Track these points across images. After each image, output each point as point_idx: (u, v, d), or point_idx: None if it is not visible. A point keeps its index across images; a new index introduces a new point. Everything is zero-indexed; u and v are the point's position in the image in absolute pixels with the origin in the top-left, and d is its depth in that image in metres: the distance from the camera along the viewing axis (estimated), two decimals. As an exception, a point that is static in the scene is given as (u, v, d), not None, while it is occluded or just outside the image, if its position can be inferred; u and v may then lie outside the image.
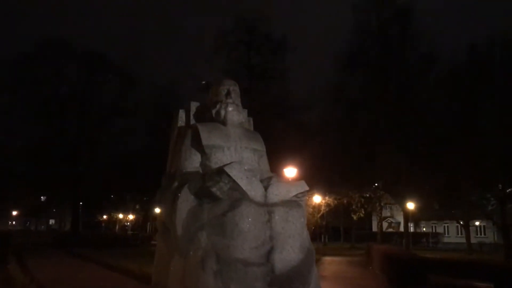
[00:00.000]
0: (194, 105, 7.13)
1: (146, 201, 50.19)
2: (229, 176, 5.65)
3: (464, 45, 33.24)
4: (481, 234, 52.52)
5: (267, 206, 5.67)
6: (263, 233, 5.53)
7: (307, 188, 5.98)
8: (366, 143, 33.51)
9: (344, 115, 37.55)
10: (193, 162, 6.45)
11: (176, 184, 6.18)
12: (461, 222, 42.28)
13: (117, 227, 67.41)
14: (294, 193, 5.91)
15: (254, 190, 5.68)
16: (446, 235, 58.54)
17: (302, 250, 5.72)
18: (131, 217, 63.34)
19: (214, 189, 5.73)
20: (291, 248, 5.64)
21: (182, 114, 7.15)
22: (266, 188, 5.79)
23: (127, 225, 67.07)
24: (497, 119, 29.35)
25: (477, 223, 50.73)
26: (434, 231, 59.32)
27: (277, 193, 5.79)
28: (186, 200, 5.87)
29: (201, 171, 6.36)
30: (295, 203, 5.84)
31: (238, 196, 5.67)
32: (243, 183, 5.66)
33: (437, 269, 11.10)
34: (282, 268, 5.48)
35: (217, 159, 6.38)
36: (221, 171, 5.71)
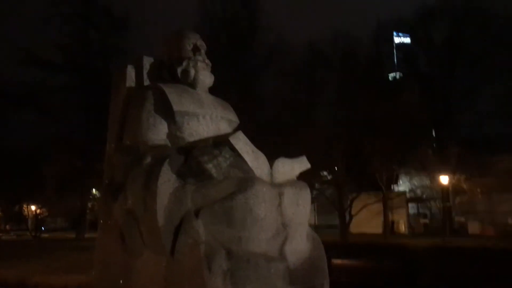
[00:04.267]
0: (147, 61, 5.56)
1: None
2: (232, 149, 4.46)
3: (308, 40, 35.10)
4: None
5: (276, 187, 4.63)
6: (276, 220, 4.49)
7: (309, 165, 5.09)
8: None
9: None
10: (159, 132, 5.00)
11: (148, 160, 4.69)
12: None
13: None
14: (298, 171, 4.97)
15: (260, 167, 4.58)
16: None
17: (309, 239, 4.85)
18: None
19: (209, 166, 4.46)
20: (300, 237, 4.72)
21: (131, 71, 5.53)
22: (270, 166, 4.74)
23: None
24: (332, 111, 32.07)
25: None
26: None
27: (282, 171, 4.78)
28: (167, 181, 4.47)
29: (169, 144, 4.98)
30: (303, 183, 4.90)
31: (240, 175, 4.51)
32: (249, 159, 4.51)
33: (336, 251, 11.25)
34: (295, 261, 4.53)
35: (192, 130, 5.05)
36: (221, 143, 4.47)
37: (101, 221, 5.30)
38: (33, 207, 36.73)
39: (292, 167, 4.91)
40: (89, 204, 36.75)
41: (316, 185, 36.71)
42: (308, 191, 4.86)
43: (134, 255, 4.72)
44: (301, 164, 5.02)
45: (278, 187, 4.63)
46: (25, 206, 37.14)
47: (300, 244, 4.67)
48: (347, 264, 10.51)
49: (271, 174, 4.69)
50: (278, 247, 4.43)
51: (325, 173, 35.70)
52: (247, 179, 4.40)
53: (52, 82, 35.63)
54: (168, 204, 4.42)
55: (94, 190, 35.75)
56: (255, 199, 4.28)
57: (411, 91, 33.09)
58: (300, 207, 4.72)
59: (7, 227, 44.76)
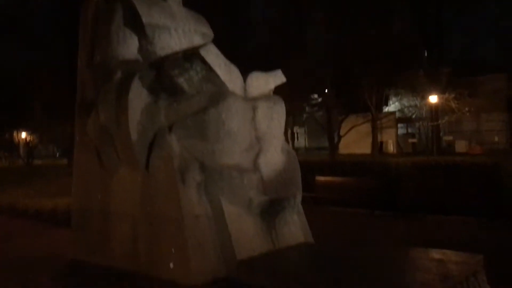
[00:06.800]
0: None
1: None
2: (204, 62, 4.35)
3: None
4: (296, 140, 57.90)
5: (250, 101, 4.58)
6: (249, 133, 4.49)
7: (284, 78, 5.01)
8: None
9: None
10: (129, 47, 4.82)
11: (119, 75, 4.58)
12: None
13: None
14: (273, 85, 4.91)
15: (233, 81, 4.51)
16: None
17: (283, 152, 4.88)
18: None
19: (180, 80, 4.38)
20: (275, 150, 4.75)
21: None
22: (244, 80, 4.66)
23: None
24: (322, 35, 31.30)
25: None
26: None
27: (256, 86, 4.72)
28: (138, 96, 4.40)
29: (140, 59, 4.83)
30: (277, 97, 4.85)
31: (213, 89, 4.44)
32: (221, 72, 4.42)
33: (321, 170, 11.48)
34: (269, 173, 4.60)
35: (163, 44, 4.88)
36: (192, 56, 4.36)
37: (77, 140, 5.28)
38: (23, 134, 36.65)
39: (266, 81, 4.84)
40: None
41: (307, 109, 36.82)
42: (282, 105, 4.82)
43: (110, 171, 4.76)
44: (276, 78, 4.94)
45: (252, 101, 4.59)
46: (15, 133, 36.99)
47: (274, 157, 4.71)
48: (330, 181, 10.73)
49: (245, 88, 4.63)
50: (251, 160, 4.47)
51: (315, 96, 35.62)
52: (219, 93, 4.34)
53: (33, 4, 34.03)
54: (140, 119, 4.38)
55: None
56: (227, 113, 4.25)
57: (403, 13, 32.20)
58: (274, 121, 4.71)
59: None
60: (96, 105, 4.71)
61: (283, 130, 4.86)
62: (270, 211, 4.52)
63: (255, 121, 4.53)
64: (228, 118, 4.24)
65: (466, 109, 28.80)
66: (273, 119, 4.68)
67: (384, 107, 35.21)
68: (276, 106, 4.73)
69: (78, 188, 5.29)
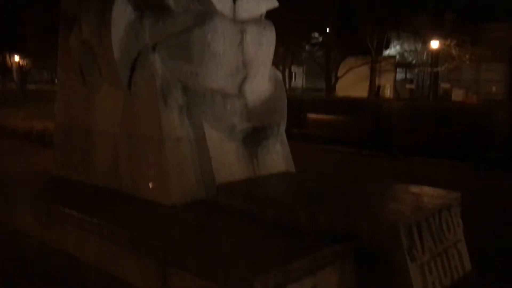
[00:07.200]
0: None
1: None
2: (191, -21, 4.15)
3: None
4: (294, 80, 57.33)
5: (238, 24, 4.41)
6: (236, 58, 4.37)
7: (276, 3, 4.81)
8: None
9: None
10: None
11: (103, -13, 4.37)
12: (280, 68, 44.88)
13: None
14: (264, 9, 4.71)
15: (222, 1, 4.31)
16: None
17: (271, 80, 4.78)
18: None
19: None
20: (262, 77, 4.65)
21: None
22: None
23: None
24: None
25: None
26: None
27: (246, 8, 4.52)
28: (122, 12, 4.22)
29: None
30: (268, 22, 4.68)
31: (200, 9, 4.26)
32: (209, -10, 4.22)
33: (313, 108, 11.44)
34: (254, 100, 4.52)
35: None
36: (179, -29, 4.14)
37: (60, 56, 5.14)
38: (16, 58, 35.95)
39: (257, 4, 4.63)
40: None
41: (307, 47, 36.10)
42: (273, 30, 4.65)
43: (93, 89, 4.67)
44: (268, 2, 4.73)
45: (241, 24, 4.42)
46: (7, 56, 36.27)
47: (260, 84, 4.62)
48: (321, 119, 10.72)
49: (234, 10, 4.44)
50: (237, 85, 4.38)
51: (316, 34, 34.86)
52: (206, 13, 4.17)
53: None
54: (124, 36, 4.23)
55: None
56: (213, 34, 4.11)
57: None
58: (263, 47, 4.57)
59: None
60: (78, 20, 4.54)
61: (271, 57, 4.72)
62: (253, 138, 4.50)
63: (242, 45, 4.38)
64: (214, 40, 4.10)
65: (467, 56, 28.37)
66: (261, 44, 4.53)
67: (384, 51, 34.59)
68: (266, 31, 4.57)
69: (61, 105, 5.23)
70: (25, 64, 36.31)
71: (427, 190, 4.03)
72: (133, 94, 4.26)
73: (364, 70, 31.13)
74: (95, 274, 3.45)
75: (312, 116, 10.99)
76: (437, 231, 3.36)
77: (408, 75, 38.86)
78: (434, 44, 27.51)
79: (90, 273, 3.48)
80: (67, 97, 5.09)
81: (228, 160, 4.30)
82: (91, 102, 4.71)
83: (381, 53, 32.59)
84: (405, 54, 35.02)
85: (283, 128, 4.74)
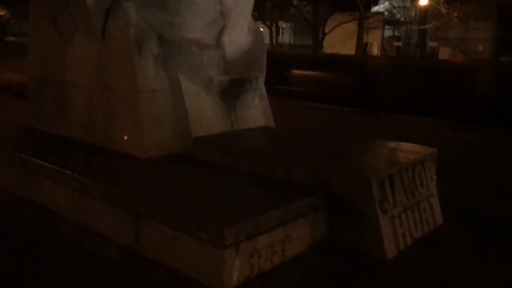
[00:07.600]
0: None
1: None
2: None
3: None
4: (281, 35, 56.35)
5: (216, -29, 4.25)
6: (213, 7, 4.23)
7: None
8: None
9: None
10: None
11: None
12: (268, 23, 44.02)
13: None
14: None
15: None
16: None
17: (250, 32, 4.67)
18: None
19: None
20: (241, 28, 4.53)
21: None
22: None
23: None
24: None
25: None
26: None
27: (225, -45, 4.34)
28: (94, -44, 4.02)
29: None
30: (247, -30, 4.52)
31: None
32: None
33: (298, 64, 11.27)
34: (232, 52, 4.42)
35: None
36: None
37: (32, 3, 4.93)
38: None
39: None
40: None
41: (294, 2, 35.42)
42: (252, -20, 4.50)
43: (66, 38, 4.51)
44: None
45: (219, -29, 4.26)
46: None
47: (239, 36, 4.51)
48: (305, 75, 10.61)
49: (212, -43, 4.27)
50: (214, 36, 4.27)
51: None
52: (180, -42, 4.00)
53: None
54: (97, -16, 4.05)
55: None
56: (188, -19, 3.96)
57: None
58: (242, -3, 4.43)
59: None
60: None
61: (251, 7, 4.59)
62: (231, 92, 4.43)
63: (220, -5, 4.25)
64: (190, -13, 3.96)
65: (455, 14, 28.06)
66: (240, -6, 4.40)
67: (372, 7, 34.07)
68: (245, -20, 4.43)
69: (33, 56, 5.06)
70: (3, 14, 35.13)
71: (403, 145, 4.05)
72: (107, 44, 4.13)
73: (352, 27, 30.70)
74: (68, 226, 3.43)
75: (296, 72, 10.86)
76: (409, 185, 3.39)
77: (396, 33, 38.51)
78: (423, 0, 27.11)
79: (63, 225, 3.46)
80: (40, 46, 4.92)
81: (205, 114, 4.24)
82: (64, 52, 4.56)
83: (370, 9, 32.09)
84: (394, 10, 34.56)
85: (262, 81, 4.66)
